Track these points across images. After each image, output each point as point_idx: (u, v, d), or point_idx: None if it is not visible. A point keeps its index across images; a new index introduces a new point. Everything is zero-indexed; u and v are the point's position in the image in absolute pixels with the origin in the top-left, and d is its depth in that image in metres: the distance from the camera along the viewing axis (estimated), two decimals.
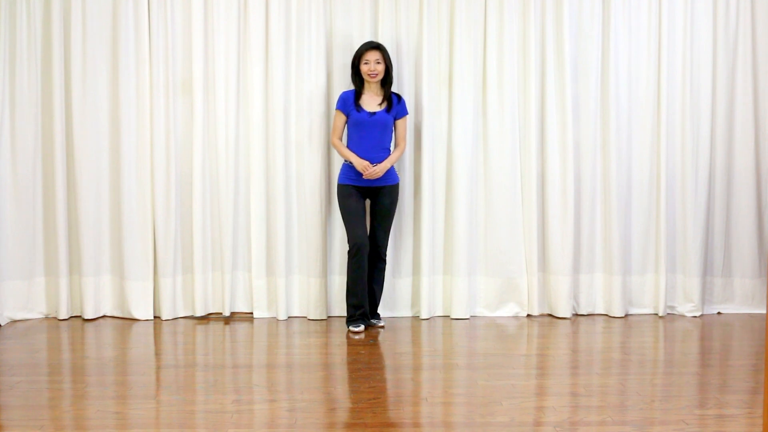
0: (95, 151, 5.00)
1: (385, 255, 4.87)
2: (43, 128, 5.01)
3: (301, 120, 5.03)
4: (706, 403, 3.42)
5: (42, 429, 3.12)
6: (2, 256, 4.95)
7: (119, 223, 5.02)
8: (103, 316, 5.11)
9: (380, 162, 4.68)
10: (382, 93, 4.77)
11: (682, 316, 5.15)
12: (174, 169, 5.03)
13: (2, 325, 4.90)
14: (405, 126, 4.83)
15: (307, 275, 5.06)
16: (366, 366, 4.02)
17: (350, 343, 4.49)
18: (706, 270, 5.20)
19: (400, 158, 4.93)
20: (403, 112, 4.81)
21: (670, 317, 5.12)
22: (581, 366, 4.01)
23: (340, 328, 4.79)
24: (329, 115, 5.02)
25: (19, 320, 5.01)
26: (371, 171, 4.62)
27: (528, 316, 5.14)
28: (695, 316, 5.13)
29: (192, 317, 5.12)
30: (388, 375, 3.89)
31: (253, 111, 5.01)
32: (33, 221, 5.02)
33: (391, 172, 4.77)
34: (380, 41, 4.93)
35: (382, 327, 4.76)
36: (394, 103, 4.76)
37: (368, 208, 4.82)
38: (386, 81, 4.76)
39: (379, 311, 4.92)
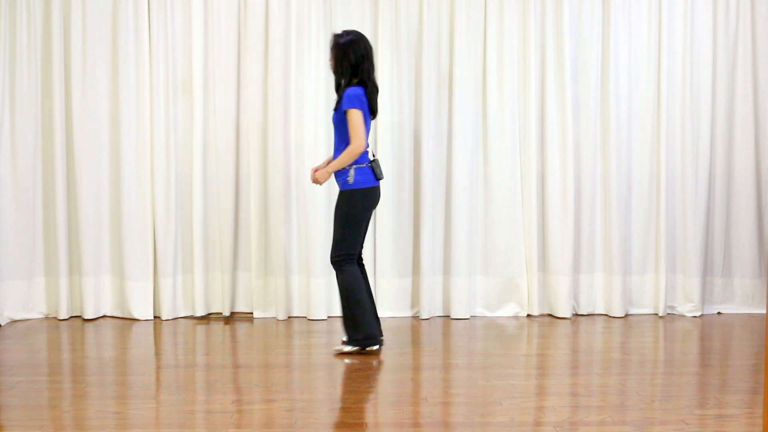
0: (95, 151, 5.01)
1: (334, 264, 4.22)
2: (43, 128, 5.02)
3: (300, 120, 5.03)
4: (706, 403, 3.42)
5: (42, 429, 3.12)
6: (2, 256, 4.95)
7: (119, 223, 5.03)
8: (103, 316, 5.11)
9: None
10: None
11: (682, 316, 5.16)
12: (174, 169, 5.03)
13: (2, 325, 4.90)
14: (350, 121, 4.08)
15: (307, 275, 5.07)
16: (366, 366, 4.02)
17: None
18: (706, 270, 5.20)
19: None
20: (343, 106, 4.12)
21: (670, 317, 5.13)
22: (581, 366, 4.01)
23: (340, 328, 4.78)
24: (328, 114, 5.02)
25: (19, 320, 5.01)
26: (312, 177, 4.22)
27: (528, 316, 5.15)
28: (695, 316, 5.13)
29: (192, 317, 5.12)
30: (388, 375, 3.89)
31: (253, 111, 5.01)
32: (33, 221, 5.02)
33: (338, 178, 4.19)
34: (380, 41, 4.95)
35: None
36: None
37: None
38: (338, 75, 4.21)
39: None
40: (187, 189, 5.08)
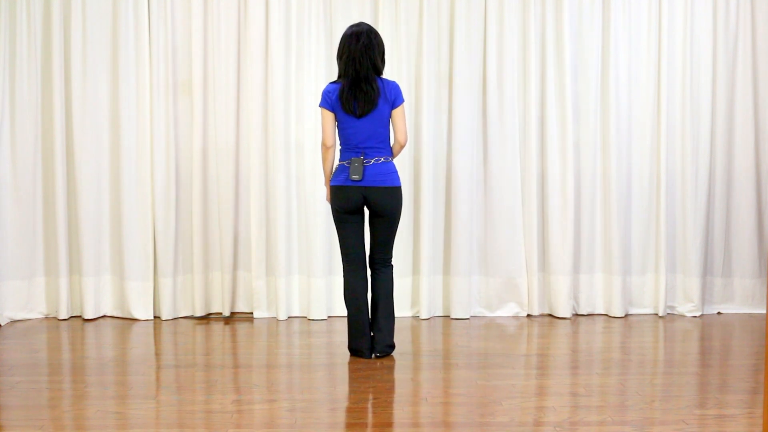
0: (95, 151, 5.01)
1: None
2: (43, 128, 5.02)
3: (301, 120, 5.04)
4: (706, 403, 3.42)
5: (42, 429, 3.12)
6: (2, 256, 4.95)
7: (119, 223, 5.03)
8: (103, 316, 5.11)
9: None
10: None
11: (682, 316, 5.16)
12: (174, 169, 5.03)
13: (2, 325, 4.90)
14: None
15: (307, 275, 5.07)
16: (366, 366, 4.02)
17: None
18: (706, 270, 5.20)
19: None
20: None
21: (670, 317, 5.13)
22: (581, 366, 4.01)
23: (340, 328, 4.79)
24: None
25: (19, 320, 5.01)
26: None
27: (528, 316, 5.15)
28: (695, 316, 5.13)
29: (192, 317, 5.12)
30: (388, 375, 3.89)
31: (253, 111, 5.01)
32: (33, 221, 5.02)
33: None
34: None
35: None
36: None
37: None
38: None
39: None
40: (187, 189, 5.08)
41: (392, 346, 4.20)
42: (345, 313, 4.98)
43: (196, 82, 5.00)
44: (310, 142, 5.02)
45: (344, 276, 4.15)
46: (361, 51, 3.98)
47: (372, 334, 4.16)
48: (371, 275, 4.18)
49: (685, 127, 5.11)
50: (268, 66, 5.00)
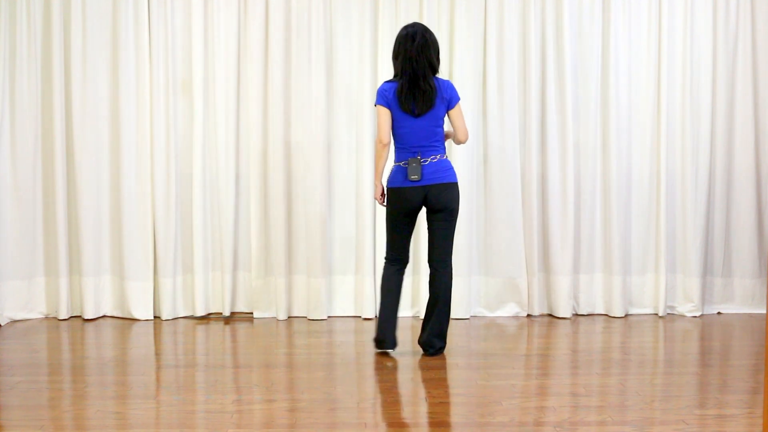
0: (95, 151, 5.01)
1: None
2: (43, 128, 5.02)
3: (301, 119, 5.03)
4: (706, 403, 3.42)
5: (42, 429, 3.12)
6: (2, 256, 4.95)
7: (119, 223, 5.03)
8: (103, 316, 5.11)
9: None
10: None
11: (682, 316, 5.16)
12: (174, 169, 5.03)
13: (2, 325, 4.90)
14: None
15: (307, 275, 5.07)
16: (366, 366, 4.02)
17: (350, 343, 4.49)
18: (706, 270, 5.20)
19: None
20: None
21: (670, 317, 5.13)
22: (581, 366, 4.01)
23: (340, 328, 4.79)
24: (329, 114, 5.03)
25: (19, 320, 5.01)
26: None
27: (528, 316, 5.15)
28: (695, 316, 5.13)
29: (192, 317, 5.12)
30: (388, 375, 3.89)
31: (253, 111, 5.02)
32: (33, 221, 5.02)
33: None
34: (380, 41, 4.96)
35: None
36: None
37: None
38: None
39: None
40: (187, 189, 5.08)
41: (444, 347, 4.23)
42: (345, 313, 5.06)
43: (196, 82, 5.00)
44: (310, 142, 5.02)
45: (384, 270, 4.20)
46: (417, 50, 4.01)
47: (425, 333, 4.20)
48: (431, 274, 4.19)
49: (685, 127, 5.11)
50: (268, 66, 5.00)
